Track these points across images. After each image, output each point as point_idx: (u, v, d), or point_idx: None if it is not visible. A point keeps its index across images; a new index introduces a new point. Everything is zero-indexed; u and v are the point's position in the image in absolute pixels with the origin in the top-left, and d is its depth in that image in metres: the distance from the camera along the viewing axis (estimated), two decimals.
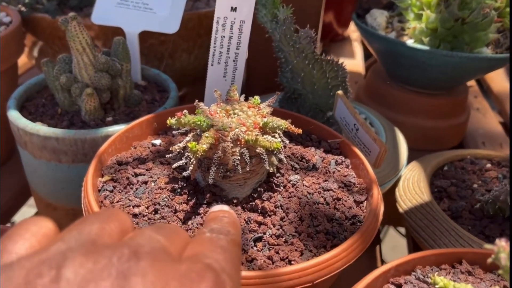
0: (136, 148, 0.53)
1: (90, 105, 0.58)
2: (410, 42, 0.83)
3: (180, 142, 0.47)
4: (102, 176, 0.49)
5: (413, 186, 0.66)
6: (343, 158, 0.53)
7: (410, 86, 0.90)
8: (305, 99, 0.67)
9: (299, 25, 0.63)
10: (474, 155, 0.75)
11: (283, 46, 0.62)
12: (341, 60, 0.64)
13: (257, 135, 0.42)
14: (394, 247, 1.63)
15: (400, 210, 0.65)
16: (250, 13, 0.54)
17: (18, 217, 1.03)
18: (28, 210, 0.99)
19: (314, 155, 0.52)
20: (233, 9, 0.53)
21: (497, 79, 1.24)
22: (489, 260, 0.27)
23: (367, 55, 1.39)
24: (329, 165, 0.51)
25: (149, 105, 0.65)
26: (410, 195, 0.65)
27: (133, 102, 0.64)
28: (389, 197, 0.69)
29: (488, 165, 0.73)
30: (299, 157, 0.52)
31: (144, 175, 0.48)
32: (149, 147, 0.54)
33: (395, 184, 0.70)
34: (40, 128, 0.55)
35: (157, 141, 0.54)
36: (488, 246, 0.27)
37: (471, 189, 0.67)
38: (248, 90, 1.07)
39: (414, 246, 0.66)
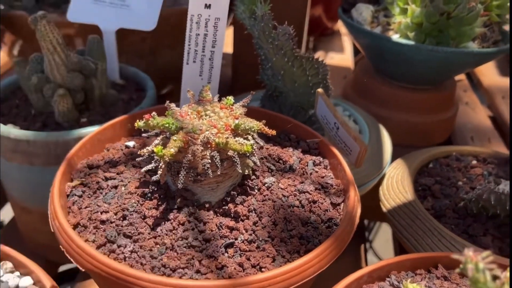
0: (108, 151, 0.52)
1: (63, 106, 0.56)
2: (395, 37, 0.82)
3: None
4: (72, 180, 0.47)
5: (397, 185, 0.65)
6: (321, 158, 0.52)
7: (396, 81, 0.89)
8: (287, 97, 0.66)
9: (285, 20, 0.61)
10: (460, 152, 0.73)
11: (262, 43, 0.61)
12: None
13: (227, 137, 0.41)
14: (388, 240, 1.62)
15: (384, 209, 0.64)
16: (225, 9, 0.52)
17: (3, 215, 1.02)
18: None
19: (292, 155, 0.51)
20: (207, 6, 0.51)
21: (487, 73, 1.23)
22: (457, 271, 0.26)
23: (357, 49, 1.37)
24: (307, 166, 0.50)
25: (126, 105, 0.63)
26: (394, 194, 0.64)
27: (109, 102, 0.62)
28: (377, 193, 0.68)
29: (474, 162, 0.72)
30: (275, 158, 0.50)
31: (114, 179, 0.47)
32: (122, 149, 0.52)
33: (380, 182, 0.69)
34: (11, 131, 0.54)
35: (131, 143, 0.53)
36: (455, 256, 0.26)
37: (455, 187, 0.65)
38: (234, 88, 1.05)
39: (399, 245, 0.65)
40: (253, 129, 0.42)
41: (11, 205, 0.65)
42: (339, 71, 1.19)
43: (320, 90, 0.59)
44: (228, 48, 1.35)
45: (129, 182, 0.46)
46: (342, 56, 1.31)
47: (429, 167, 0.71)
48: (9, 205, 0.96)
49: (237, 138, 0.42)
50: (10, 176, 0.59)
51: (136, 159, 0.50)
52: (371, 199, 0.70)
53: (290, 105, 0.66)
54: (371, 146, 0.69)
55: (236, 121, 0.42)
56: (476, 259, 0.25)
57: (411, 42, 0.77)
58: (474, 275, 0.25)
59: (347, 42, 1.41)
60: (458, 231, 0.58)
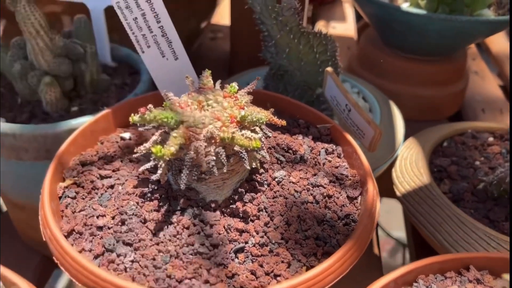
0: (103, 144, 0.48)
1: (51, 95, 0.51)
2: (405, 6, 0.76)
3: (152, 135, 0.42)
4: (64, 179, 0.43)
5: (411, 167, 0.62)
6: (334, 146, 0.48)
7: (406, 53, 0.84)
8: (292, 76, 0.61)
9: None
10: (475, 129, 0.69)
11: (264, 19, 0.56)
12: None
13: (233, 132, 0.36)
14: (388, 211, 1.60)
15: (398, 193, 0.60)
16: None
17: None
18: None
19: (302, 144, 0.47)
20: None
21: (496, 39, 1.18)
22: None
23: (359, 16, 1.31)
24: (319, 155, 0.46)
25: (119, 90, 0.59)
26: (408, 177, 0.61)
27: (101, 88, 0.57)
28: (388, 172, 0.65)
29: (490, 139, 0.68)
30: (285, 148, 0.46)
31: (110, 177, 0.43)
32: (117, 142, 0.48)
33: (392, 163, 0.65)
34: None
35: (126, 135, 0.49)
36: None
37: (473, 167, 0.62)
38: (233, 64, 1.00)
39: (413, 232, 0.62)
40: (261, 121, 0.38)
41: (2, 199, 0.61)
42: (342, 42, 1.13)
43: (329, 69, 0.54)
44: (226, 20, 1.29)
45: (126, 180, 0.42)
46: (344, 25, 1.25)
47: (444, 146, 0.67)
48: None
49: (243, 131, 0.38)
50: None
51: (133, 155, 0.46)
52: (381, 178, 0.67)
53: (296, 85, 0.62)
54: (383, 126, 0.65)
55: (242, 112, 0.38)
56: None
57: (423, 11, 0.72)
58: None
59: (349, 9, 1.35)
60: (478, 216, 0.55)
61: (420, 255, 0.62)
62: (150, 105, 0.38)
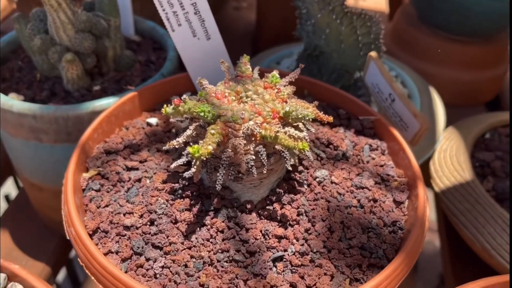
0: (128, 130, 0.44)
1: (72, 73, 0.48)
2: None
3: (179, 122, 0.39)
4: (87, 169, 0.40)
5: (451, 160, 0.58)
6: (378, 141, 0.44)
7: (446, 32, 0.78)
8: (329, 58, 0.57)
9: None
10: None
11: None
12: None
13: (277, 131, 0.33)
14: None
15: (436, 188, 0.57)
16: None
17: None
18: None
19: (344, 138, 0.43)
20: None
21: None
22: None
23: None
24: (362, 151, 0.42)
25: (144, 68, 0.55)
26: (448, 171, 0.57)
27: (124, 65, 0.54)
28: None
29: None
30: (325, 143, 0.43)
31: (137, 169, 0.40)
32: (143, 128, 0.45)
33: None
34: (13, 104, 0.46)
35: (153, 120, 0.45)
36: None
37: None
38: (259, 38, 0.95)
39: (447, 230, 0.59)
40: (307, 118, 0.34)
41: (20, 179, 0.59)
42: None
43: (373, 53, 0.50)
44: None
45: (154, 173, 0.39)
46: None
47: (486, 138, 0.63)
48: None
49: (286, 129, 0.34)
50: (15, 151, 0.52)
51: (163, 141, 0.42)
52: None
53: (332, 68, 0.57)
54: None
55: (287, 108, 0.34)
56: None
57: None
58: None
59: None
60: None
61: (454, 251, 0.59)
62: (184, 96, 0.35)
